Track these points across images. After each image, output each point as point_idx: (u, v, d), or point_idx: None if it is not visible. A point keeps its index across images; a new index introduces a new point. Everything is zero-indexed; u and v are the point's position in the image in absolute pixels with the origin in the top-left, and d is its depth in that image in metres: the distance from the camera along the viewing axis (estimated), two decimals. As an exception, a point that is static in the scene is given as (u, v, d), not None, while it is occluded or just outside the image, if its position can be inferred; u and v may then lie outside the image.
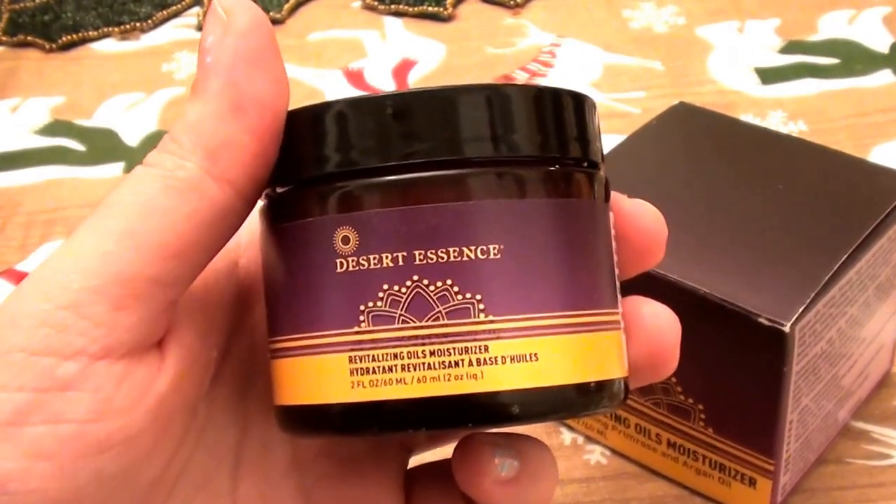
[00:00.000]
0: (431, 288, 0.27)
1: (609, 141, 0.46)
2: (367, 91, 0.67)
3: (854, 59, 0.68)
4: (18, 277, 0.56)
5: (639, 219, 0.31)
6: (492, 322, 0.27)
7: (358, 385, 0.27)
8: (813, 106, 0.64)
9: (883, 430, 0.45)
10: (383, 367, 0.27)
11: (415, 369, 0.27)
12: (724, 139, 0.45)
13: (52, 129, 0.66)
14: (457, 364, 0.26)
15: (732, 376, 0.39)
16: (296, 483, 0.32)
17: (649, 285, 0.38)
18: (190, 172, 0.26)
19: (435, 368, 0.27)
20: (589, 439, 0.45)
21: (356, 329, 0.27)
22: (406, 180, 0.27)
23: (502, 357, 0.27)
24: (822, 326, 0.38)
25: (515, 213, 0.27)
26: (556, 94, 0.28)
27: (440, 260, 0.27)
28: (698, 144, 0.45)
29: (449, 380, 0.26)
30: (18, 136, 0.65)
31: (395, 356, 0.27)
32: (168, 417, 0.27)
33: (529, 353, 0.27)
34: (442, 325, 0.26)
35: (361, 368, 0.27)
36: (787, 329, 0.36)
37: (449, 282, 0.26)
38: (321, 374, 0.27)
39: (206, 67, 0.27)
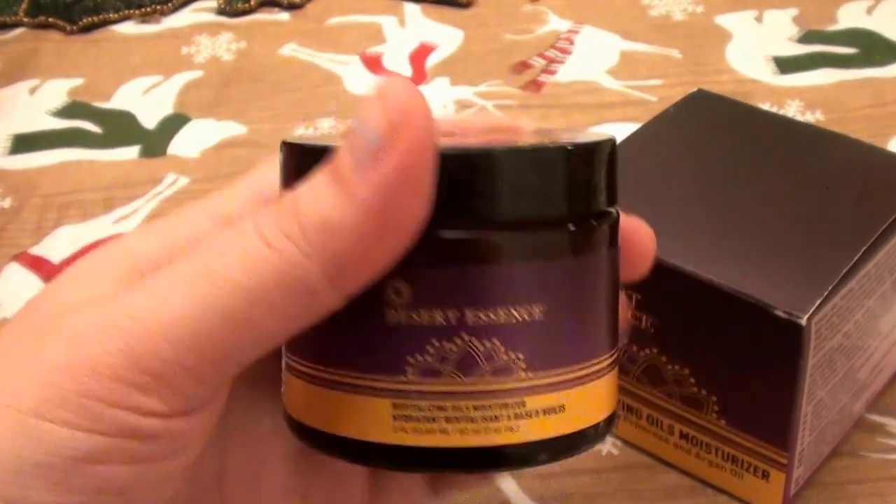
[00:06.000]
0: (480, 347, 0.28)
1: (624, 129, 0.46)
2: (385, 76, 0.67)
3: (873, 49, 0.68)
4: (32, 261, 0.56)
5: (634, 236, 0.31)
6: (531, 379, 0.28)
7: (400, 430, 0.28)
8: (830, 96, 0.64)
9: (899, 424, 0.45)
10: (427, 417, 0.28)
11: (458, 421, 0.28)
12: (742, 127, 0.45)
13: (69, 111, 0.66)
14: (496, 418, 0.28)
15: (747, 368, 0.38)
16: (282, 446, 0.33)
17: (664, 277, 0.38)
18: (311, 277, 0.26)
19: (476, 422, 0.28)
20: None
21: (402, 379, 0.28)
22: (464, 240, 0.27)
23: (536, 410, 0.29)
24: (839, 319, 0.38)
25: (561, 274, 0.28)
26: (594, 150, 0.29)
27: (491, 321, 0.28)
28: (716, 132, 0.45)
29: (488, 432, 0.28)
30: (36, 118, 0.65)
31: (440, 408, 0.28)
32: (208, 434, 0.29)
33: (558, 405, 0.29)
34: (487, 382, 0.28)
35: (405, 416, 0.28)
36: (803, 322, 0.36)
37: (496, 341, 0.28)
38: (364, 413, 0.28)
39: (366, 167, 0.25)
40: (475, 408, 0.28)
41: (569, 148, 0.28)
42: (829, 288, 0.37)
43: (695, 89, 0.48)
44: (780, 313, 0.36)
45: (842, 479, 0.43)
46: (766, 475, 0.40)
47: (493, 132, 0.34)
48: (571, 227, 0.28)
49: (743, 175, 0.42)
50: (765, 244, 0.39)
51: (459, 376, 0.28)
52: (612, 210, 0.30)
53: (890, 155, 0.44)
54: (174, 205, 0.58)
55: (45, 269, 0.55)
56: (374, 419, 0.28)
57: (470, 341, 0.28)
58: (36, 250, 0.56)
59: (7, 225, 0.58)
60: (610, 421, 0.31)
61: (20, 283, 0.54)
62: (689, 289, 0.38)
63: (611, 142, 0.29)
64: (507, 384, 0.28)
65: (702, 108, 0.46)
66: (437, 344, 0.28)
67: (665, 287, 0.39)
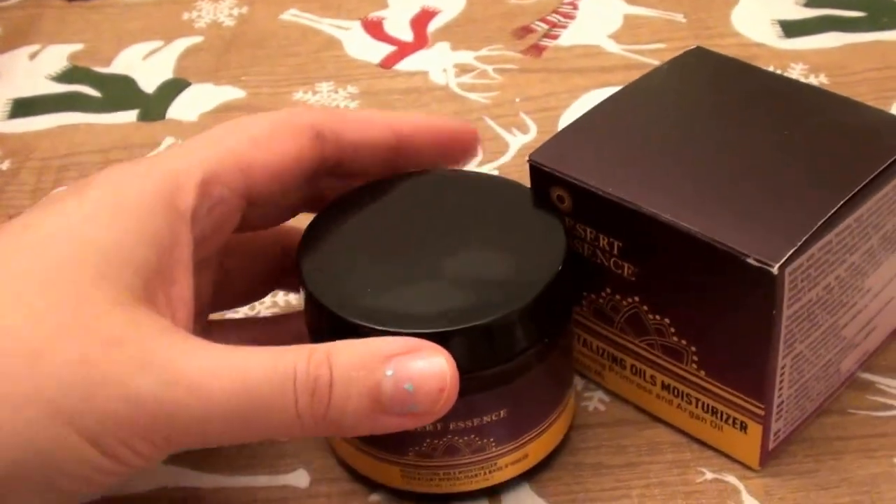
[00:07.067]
0: (461, 441, 0.38)
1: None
2: (384, 41, 0.67)
3: (880, 12, 0.67)
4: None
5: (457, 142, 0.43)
6: (500, 450, 0.39)
7: (406, 482, 0.40)
8: (835, 59, 0.63)
9: (890, 382, 0.45)
10: (427, 476, 0.40)
11: (448, 478, 0.40)
12: (735, 83, 0.45)
13: (69, 75, 0.66)
14: (475, 475, 0.40)
15: (723, 318, 0.38)
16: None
17: (644, 225, 0.38)
18: (299, 433, 0.35)
19: (461, 479, 0.40)
20: (587, 387, 0.45)
21: (406, 458, 0.39)
22: None
23: (505, 464, 0.40)
24: (816, 272, 0.38)
25: (516, 388, 0.38)
26: (526, 311, 0.37)
27: (468, 426, 0.38)
28: (709, 87, 0.45)
29: (470, 483, 0.40)
30: (36, 83, 0.66)
31: (435, 474, 0.40)
32: None
33: (523, 456, 0.40)
34: (468, 458, 0.39)
35: (409, 475, 0.40)
36: (775, 271, 0.36)
37: (473, 436, 0.38)
38: (384, 471, 0.40)
39: (399, 415, 0.34)
40: (459, 471, 0.40)
41: (505, 316, 0.36)
42: (804, 238, 0.36)
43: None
44: (752, 261, 0.36)
45: (829, 436, 0.43)
46: (744, 427, 0.40)
47: (446, 141, 0.43)
48: (518, 360, 0.38)
49: (731, 129, 0.42)
50: (746, 196, 0.38)
51: (448, 457, 0.39)
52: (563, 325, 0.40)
53: (881, 113, 0.43)
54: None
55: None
56: (390, 475, 0.40)
57: (453, 439, 0.38)
58: (33, 211, 0.57)
59: (5, 187, 0.58)
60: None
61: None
62: (668, 237, 0.38)
63: (538, 297, 0.37)
64: (483, 456, 0.39)
65: (697, 65, 0.46)
66: (429, 441, 0.38)
67: (645, 236, 0.39)
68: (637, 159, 0.41)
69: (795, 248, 0.36)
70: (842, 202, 0.38)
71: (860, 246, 0.39)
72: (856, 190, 0.38)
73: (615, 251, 0.40)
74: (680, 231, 0.37)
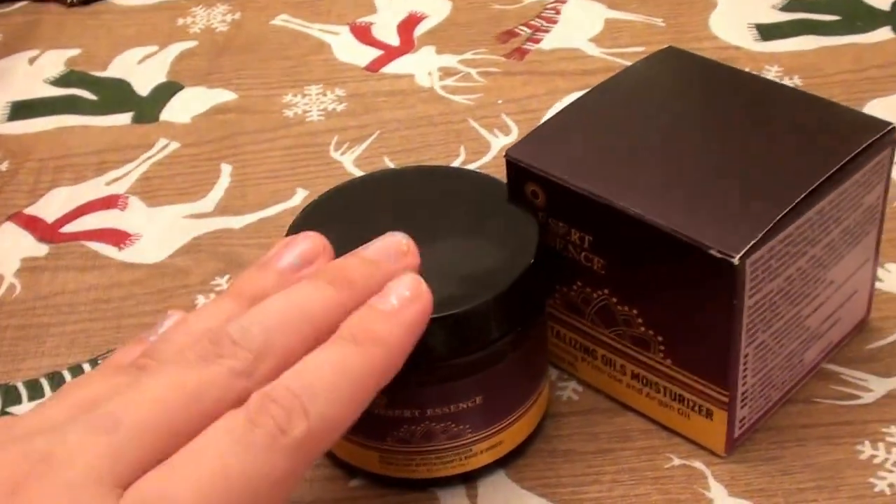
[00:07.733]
0: (437, 427, 0.40)
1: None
2: (371, 45, 0.69)
3: (855, 15, 0.69)
4: (26, 221, 0.58)
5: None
6: (474, 436, 0.41)
7: (385, 467, 0.42)
8: (810, 61, 0.65)
9: (854, 373, 0.46)
10: (404, 461, 0.41)
11: (425, 464, 0.41)
12: (707, 82, 0.46)
13: (67, 79, 0.68)
14: (451, 460, 0.41)
15: (688, 308, 0.40)
16: None
17: (613, 219, 0.40)
18: None
19: (436, 464, 0.41)
20: (561, 377, 0.47)
21: (384, 443, 0.41)
22: (422, 369, 0.38)
23: (481, 450, 0.42)
24: (777, 263, 0.39)
25: (490, 376, 0.40)
26: (499, 301, 0.39)
27: (444, 413, 0.39)
28: (680, 86, 0.46)
29: (446, 468, 0.41)
30: (35, 86, 0.68)
31: (412, 460, 0.41)
32: None
33: (498, 442, 0.42)
34: (443, 444, 0.41)
35: (388, 460, 0.41)
36: (736, 262, 0.37)
37: (449, 422, 0.40)
38: (365, 457, 0.42)
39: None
40: (436, 457, 0.41)
41: (479, 305, 0.38)
42: (764, 230, 0.38)
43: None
44: (714, 253, 0.38)
45: (794, 424, 0.44)
46: (709, 414, 0.42)
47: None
48: (492, 348, 0.39)
49: (701, 125, 0.43)
50: (713, 190, 0.40)
51: (425, 443, 0.40)
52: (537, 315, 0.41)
53: (848, 111, 0.45)
54: (165, 168, 0.60)
55: (39, 228, 0.57)
56: (370, 460, 0.42)
57: (430, 425, 0.40)
58: (31, 210, 0.58)
59: (4, 187, 0.60)
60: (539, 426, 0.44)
61: (14, 242, 0.56)
62: (635, 231, 0.39)
63: (512, 289, 0.39)
64: (459, 442, 0.41)
65: (670, 63, 0.48)
66: (406, 427, 0.40)
67: (614, 229, 0.40)
68: (609, 155, 0.42)
69: (756, 239, 0.38)
70: (802, 196, 0.39)
71: (821, 239, 0.41)
72: (816, 184, 0.40)
73: (586, 245, 0.41)
74: (646, 224, 0.39)
